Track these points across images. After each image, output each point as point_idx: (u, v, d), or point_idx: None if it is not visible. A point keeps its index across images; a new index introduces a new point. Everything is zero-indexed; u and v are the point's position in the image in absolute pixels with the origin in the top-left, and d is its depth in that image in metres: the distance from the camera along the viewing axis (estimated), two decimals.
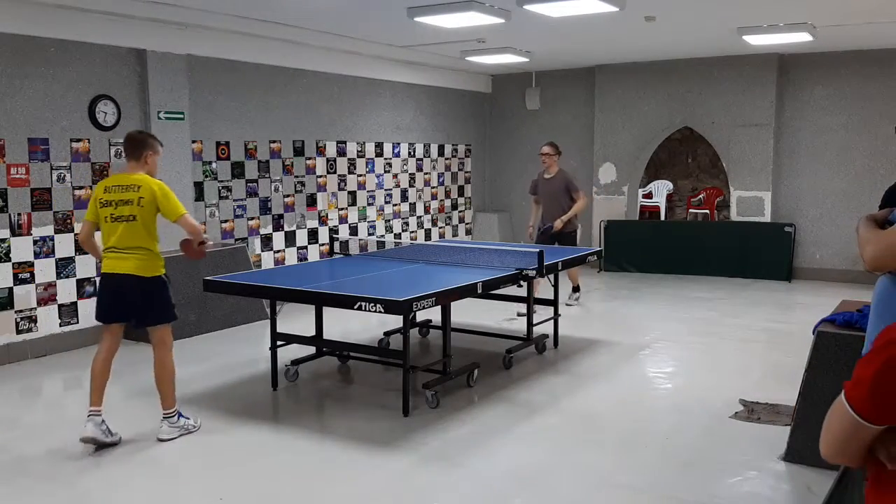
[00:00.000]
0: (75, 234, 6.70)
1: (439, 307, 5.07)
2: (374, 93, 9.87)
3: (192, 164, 7.62)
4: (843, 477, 2.49)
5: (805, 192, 10.05)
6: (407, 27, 7.42)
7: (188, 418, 4.65)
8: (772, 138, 10.01)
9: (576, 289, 8.37)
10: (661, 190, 12.63)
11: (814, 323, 4.17)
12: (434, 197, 11.16)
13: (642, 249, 10.62)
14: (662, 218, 12.36)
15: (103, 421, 4.37)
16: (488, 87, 12.09)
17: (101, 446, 4.34)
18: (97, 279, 5.77)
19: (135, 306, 4.42)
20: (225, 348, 6.72)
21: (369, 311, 4.58)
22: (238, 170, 8.16)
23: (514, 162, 12.02)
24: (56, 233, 6.58)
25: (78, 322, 6.75)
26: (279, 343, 5.58)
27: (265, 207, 8.49)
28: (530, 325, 6.36)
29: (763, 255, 9.98)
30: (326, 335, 5.99)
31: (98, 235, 4.54)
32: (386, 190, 10.21)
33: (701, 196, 12.41)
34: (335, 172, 9.39)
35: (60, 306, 6.64)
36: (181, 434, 4.55)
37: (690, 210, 12.45)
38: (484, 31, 7.74)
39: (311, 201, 9.07)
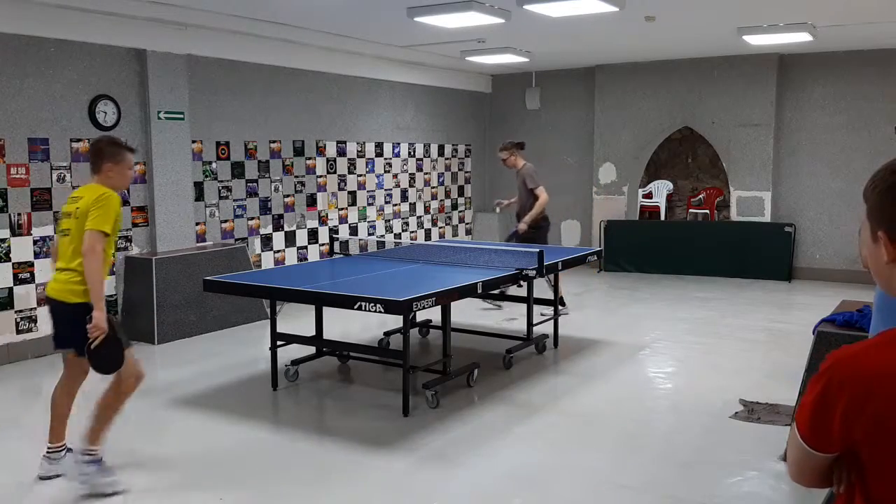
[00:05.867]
0: None
1: (439, 307, 5.07)
2: (374, 93, 9.87)
3: (192, 164, 7.62)
4: None
5: (805, 192, 10.05)
6: (407, 27, 7.42)
7: (109, 475, 3.86)
8: (772, 138, 10.01)
9: (561, 301, 8.13)
10: (661, 190, 12.62)
11: (814, 323, 4.17)
12: (434, 197, 11.16)
13: (642, 249, 10.62)
14: (662, 218, 12.36)
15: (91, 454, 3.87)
16: (488, 87, 12.09)
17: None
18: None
19: (68, 332, 3.83)
20: (225, 348, 6.72)
21: (369, 311, 4.58)
22: (238, 170, 8.16)
23: None
24: (56, 233, 6.57)
25: None
26: (279, 343, 5.58)
27: (265, 207, 8.49)
28: (530, 325, 6.36)
29: (763, 255, 9.98)
30: (326, 335, 5.99)
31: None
32: (386, 190, 10.21)
33: (701, 196, 12.40)
34: (335, 172, 9.39)
35: None
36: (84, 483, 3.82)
37: (690, 210, 12.44)
38: (484, 31, 7.74)
39: (311, 201, 9.07)
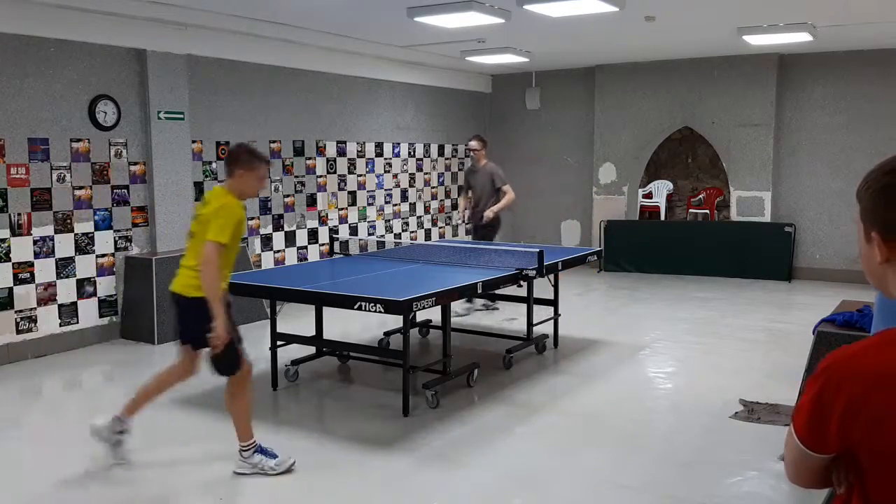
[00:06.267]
0: (75, 234, 6.71)
1: (439, 307, 5.07)
2: (374, 93, 9.87)
3: (192, 164, 7.62)
4: None
5: (805, 192, 10.05)
6: (407, 27, 7.42)
7: (272, 458, 4.08)
8: (772, 138, 10.01)
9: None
10: (661, 190, 12.63)
11: (814, 323, 4.18)
12: (434, 197, 11.16)
13: (642, 249, 10.62)
14: (662, 218, 12.36)
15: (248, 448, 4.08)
16: (488, 87, 12.09)
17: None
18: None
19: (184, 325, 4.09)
20: None
21: (369, 311, 4.58)
22: None
23: (514, 162, 11.98)
24: (56, 233, 6.58)
25: (78, 322, 6.75)
26: (279, 343, 5.58)
27: (265, 207, 8.49)
28: (530, 325, 6.36)
29: (763, 255, 9.98)
30: (326, 335, 5.99)
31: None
32: (386, 190, 10.21)
33: (701, 196, 12.41)
34: (335, 172, 9.39)
35: (60, 306, 6.64)
36: (254, 472, 4.04)
37: (690, 210, 12.45)
38: (484, 31, 7.74)
39: (311, 201, 9.07)
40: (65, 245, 6.65)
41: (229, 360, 3.97)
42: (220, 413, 4.61)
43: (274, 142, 8.53)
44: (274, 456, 4.07)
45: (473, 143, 8.30)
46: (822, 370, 1.32)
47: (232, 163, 4.04)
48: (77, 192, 6.72)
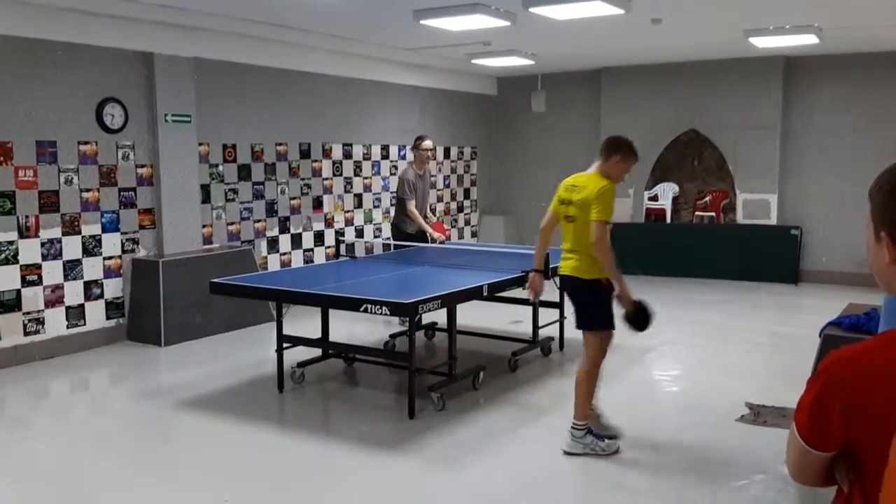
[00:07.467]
0: (82, 237, 6.74)
1: (445, 310, 5.07)
2: (380, 95, 9.89)
3: (199, 166, 7.64)
4: None
5: (811, 195, 10.02)
6: (413, 30, 7.43)
7: (602, 440, 4.32)
8: (778, 141, 9.99)
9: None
10: (666, 192, 12.58)
11: (820, 326, 4.16)
12: (440, 199, 11.17)
13: (648, 252, 10.59)
14: (668, 221, 12.32)
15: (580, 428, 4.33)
16: (494, 89, 12.10)
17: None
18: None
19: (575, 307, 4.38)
20: (231, 350, 6.74)
21: (375, 313, 4.59)
22: (244, 172, 8.18)
23: (520, 164, 12.02)
24: (64, 235, 6.60)
25: (85, 324, 6.78)
26: (285, 345, 5.59)
27: (271, 210, 8.51)
28: (536, 327, 6.36)
29: (769, 258, 9.95)
30: (332, 337, 6.00)
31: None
32: (392, 192, 10.21)
33: (707, 199, 12.35)
34: (341, 175, 9.40)
35: (68, 308, 6.67)
36: (585, 453, 4.25)
37: (696, 213, 12.40)
38: (489, 33, 7.75)
39: (318, 204, 9.09)
40: (72, 247, 6.67)
41: (643, 315, 4.38)
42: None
43: (280, 144, 8.55)
44: (602, 439, 4.29)
45: (431, 146, 7.60)
46: (824, 369, 1.33)
47: (612, 149, 4.32)
48: (84, 195, 6.74)
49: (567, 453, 4.27)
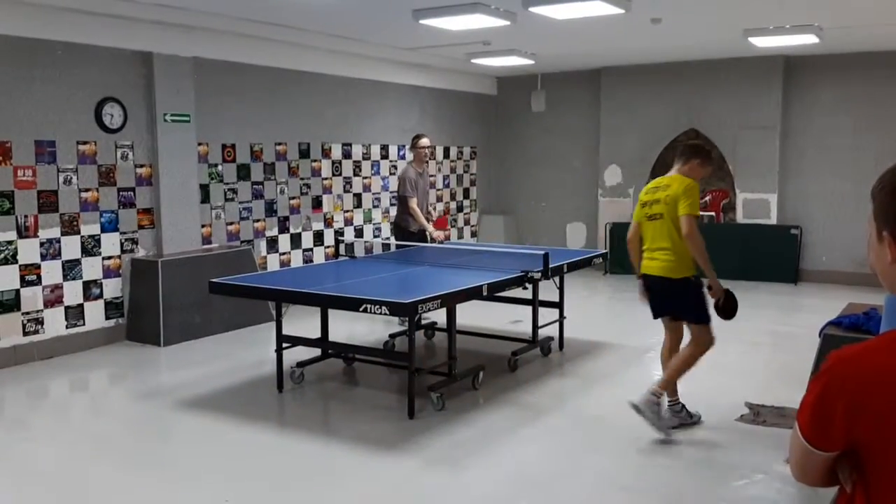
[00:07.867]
0: (81, 237, 6.74)
1: (444, 309, 5.07)
2: (380, 95, 9.88)
3: (198, 166, 7.64)
4: None
5: (811, 195, 10.02)
6: (412, 29, 7.42)
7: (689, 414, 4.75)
8: (778, 140, 9.99)
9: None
10: None
11: (820, 326, 4.16)
12: (439, 199, 11.16)
13: None
14: None
15: (674, 405, 4.70)
16: (493, 89, 12.09)
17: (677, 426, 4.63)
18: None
19: (669, 302, 4.66)
20: (230, 350, 6.73)
21: (375, 313, 4.58)
22: (244, 172, 8.18)
23: (519, 164, 12.02)
24: (63, 235, 6.60)
25: (84, 324, 6.77)
26: (285, 345, 5.59)
27: (271, 209, 8.51)
28: (535, 327, 6.35)
29: (769, 257, 9.95)
30: (332, 337, 6.00)
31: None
32: (391, 192, 10.21)
33: (707, 198, 12.35)
34: (340, 174, 9.40)
35: (67, 308, 6.66)
36: (681, 424, 4.67)
37: None
38: (489, 33, 7.74)
39: (317, 203, 9.09)
40: (71, 247, 6.67)
41: (732, 303, 4.73)
42: None
43: (279, 144, 8.54)
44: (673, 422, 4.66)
45: (428, 141, 7.64)
46: (826, 369, 1.33)
47: (693, 153, 4.67)
48: (83, 195, 6.74)
49: (670, 429, 4.53)
